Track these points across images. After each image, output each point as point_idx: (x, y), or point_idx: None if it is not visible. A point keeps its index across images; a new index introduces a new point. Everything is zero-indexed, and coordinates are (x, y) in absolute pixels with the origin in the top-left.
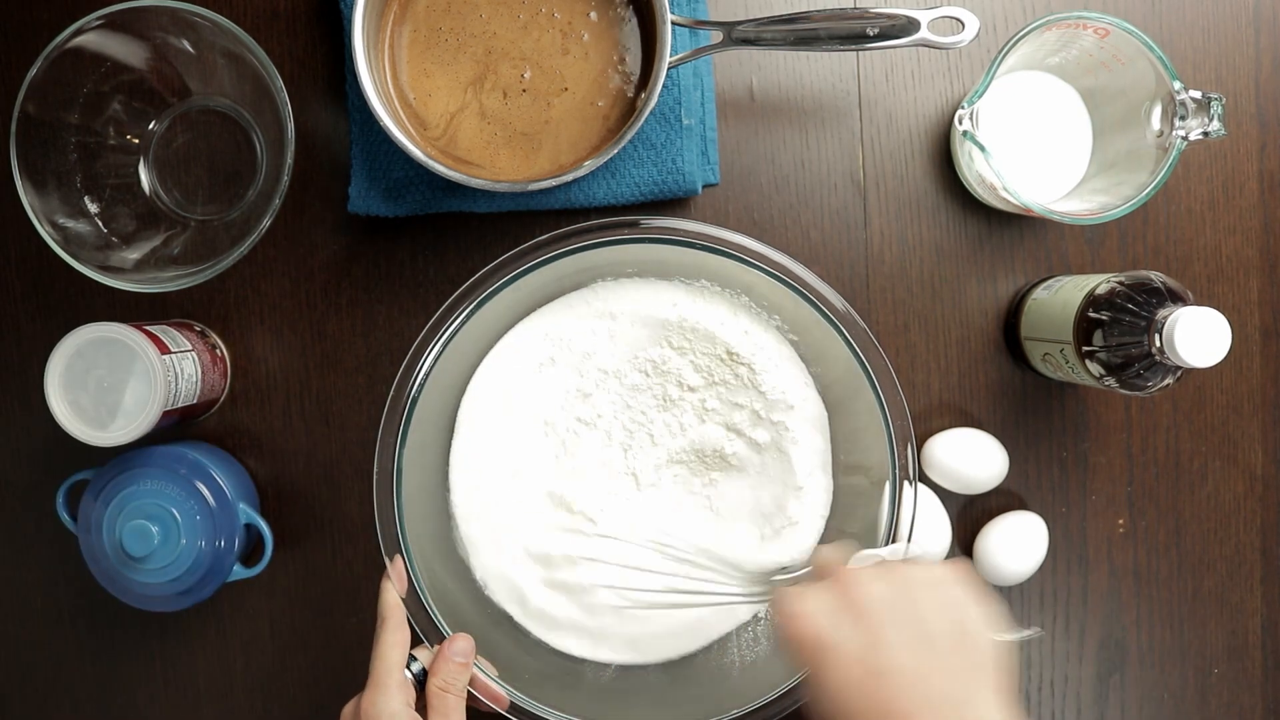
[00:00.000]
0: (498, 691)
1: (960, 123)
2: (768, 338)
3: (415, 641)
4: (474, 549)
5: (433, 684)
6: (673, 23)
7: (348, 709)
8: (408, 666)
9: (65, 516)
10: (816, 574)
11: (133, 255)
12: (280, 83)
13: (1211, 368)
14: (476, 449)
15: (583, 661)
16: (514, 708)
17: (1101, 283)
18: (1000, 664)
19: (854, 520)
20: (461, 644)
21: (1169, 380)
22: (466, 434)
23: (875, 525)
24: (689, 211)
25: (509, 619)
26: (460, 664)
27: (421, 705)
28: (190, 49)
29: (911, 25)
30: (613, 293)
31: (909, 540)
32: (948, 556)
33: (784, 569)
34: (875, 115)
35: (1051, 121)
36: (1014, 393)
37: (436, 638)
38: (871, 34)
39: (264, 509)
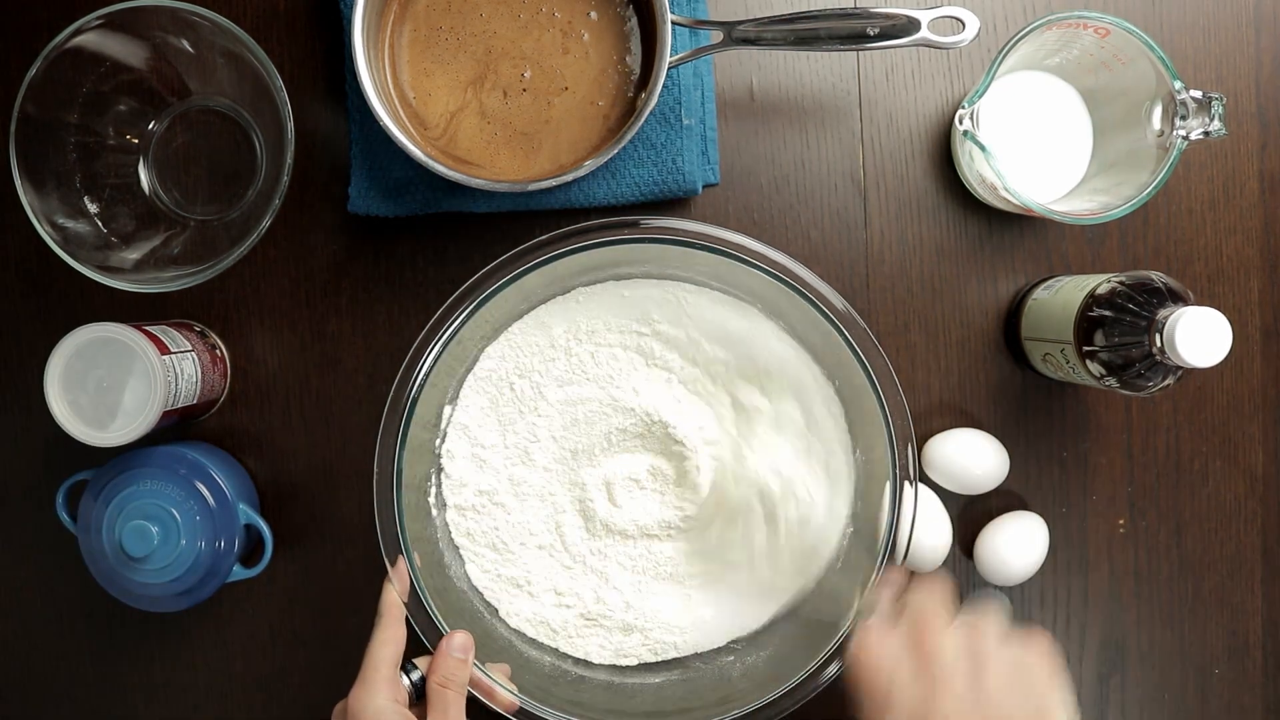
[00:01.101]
0: (503, 694)
1: (960, 123)
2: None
3: (416, 644)
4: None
5: (432, 680)
6: (673, 22)
7: (337, 709)
8: (407, 674)
9: (65, 517)
10: (908, 611)
11: (132, 255)
12: (280, 83)
13: (1212, 368)
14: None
15: (582, 663)
16: (520, 711)
17: (1102, 283)
18: None
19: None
20: (460, 639)
21: (1169, 380)
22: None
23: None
24: (689, 211)
25: (508, 620)
26: (459, 660)
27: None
28: (190, 49)
29: (912, 25)
30: (613, 293)
31: (910, 543)
32: (948, 557)
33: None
34: (875, 115)
35: (1052, 121)
36: (1014, 393)
37: (436, 637)
38: (872, 34)
39: (264, 509)
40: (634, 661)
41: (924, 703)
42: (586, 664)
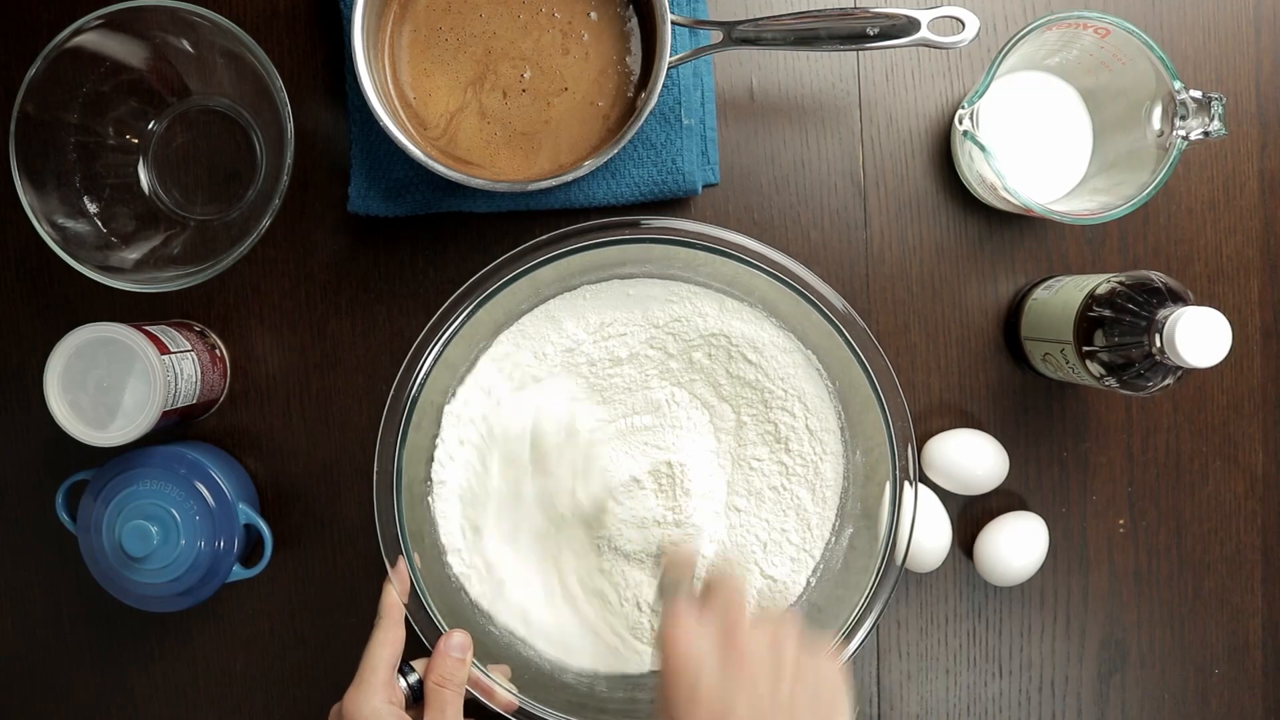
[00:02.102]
0: (502, 694)
1: (960, 123)
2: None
3: (416, 644)
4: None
5: (430, 679)
6: (673, 22)
7: (333, 711)
8: (404, 676)
9: (65, 517)
10: (712, 587)
11: (132, 255)
12: (280, 82)
13: (1212, 368)
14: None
15: (581, 665)
16: (520, 711)
17: (1102, 283)
18: None
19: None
20: (459, 638)
21: (1169, 380)
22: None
23: (876, 524)
24: (689, 211)
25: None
26: (457, 659)
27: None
28: (190, 49)
29: (911, 25)
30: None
31: (910, 543)
32: (948, 557)
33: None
34: (875, 115)
35: (1051, 121)
36: (1014, 393)
37: (435, 636)
38: (871, 34)
39: (264, 509)
40: (635, 670)
41: (728, 698)
42: (590, 671)
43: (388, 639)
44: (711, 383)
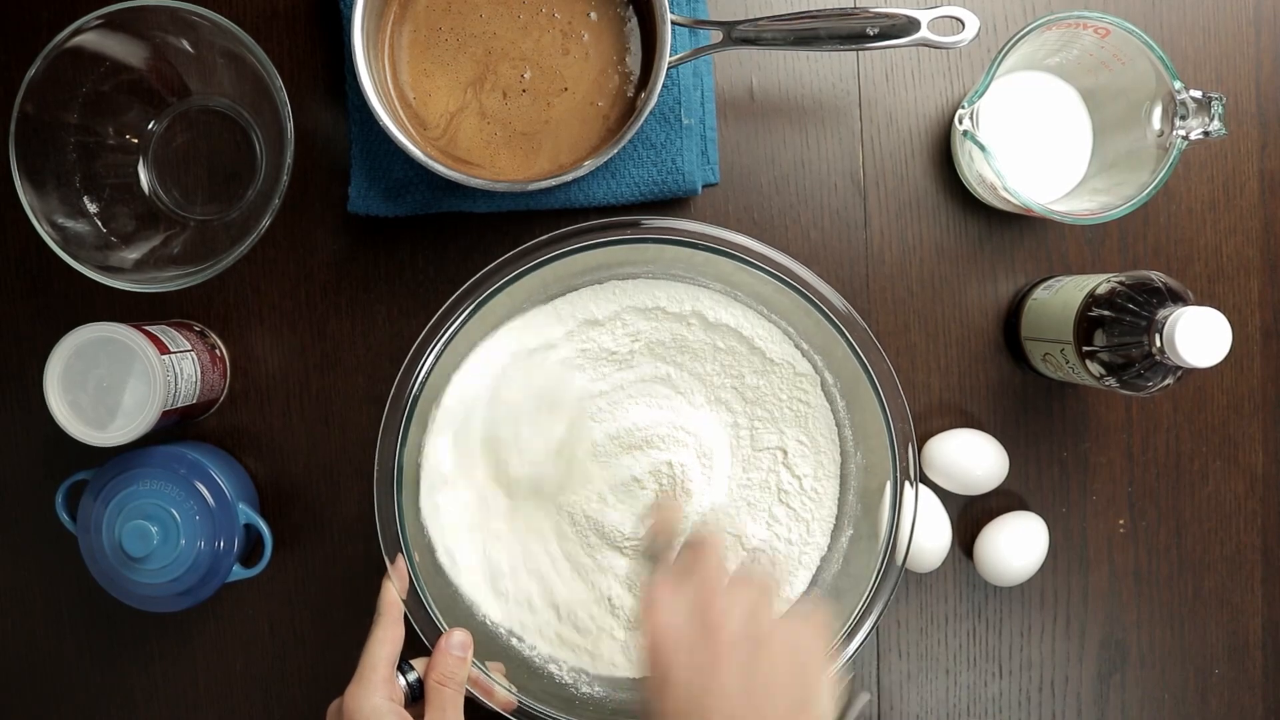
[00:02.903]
0: (502, 693)
1: (960, 122)
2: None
3: (415, 643)
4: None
5: (430, 677)
6: (673, 22)
7: (332, 707)
8: (403, 674)
9: (65, 517)
10: (691, 562)
11: (132, 255)
12: (280, 83)
13: (1212, 368)
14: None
15: (579, 667)
16: (519, 710)
17: (1102, 283)
18: None
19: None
20: (459, 637)
21: (1169, 380)
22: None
23: (876, 524)
24: (689, 211)
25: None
26: (458, 657)
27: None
28: (190, 49)
29: (911, 25)
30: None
31: (910, 543)
32: (948, 557)
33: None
34: (875, 115)
35: (1051, 121)
36: (1014, 393)
37: (434, 635)
38: (871, 34)
39: (264, 509)
40: (630, 673)
41: (703, 674)
42: (586, 671)
43: (387, 636)
44: (710, 384)
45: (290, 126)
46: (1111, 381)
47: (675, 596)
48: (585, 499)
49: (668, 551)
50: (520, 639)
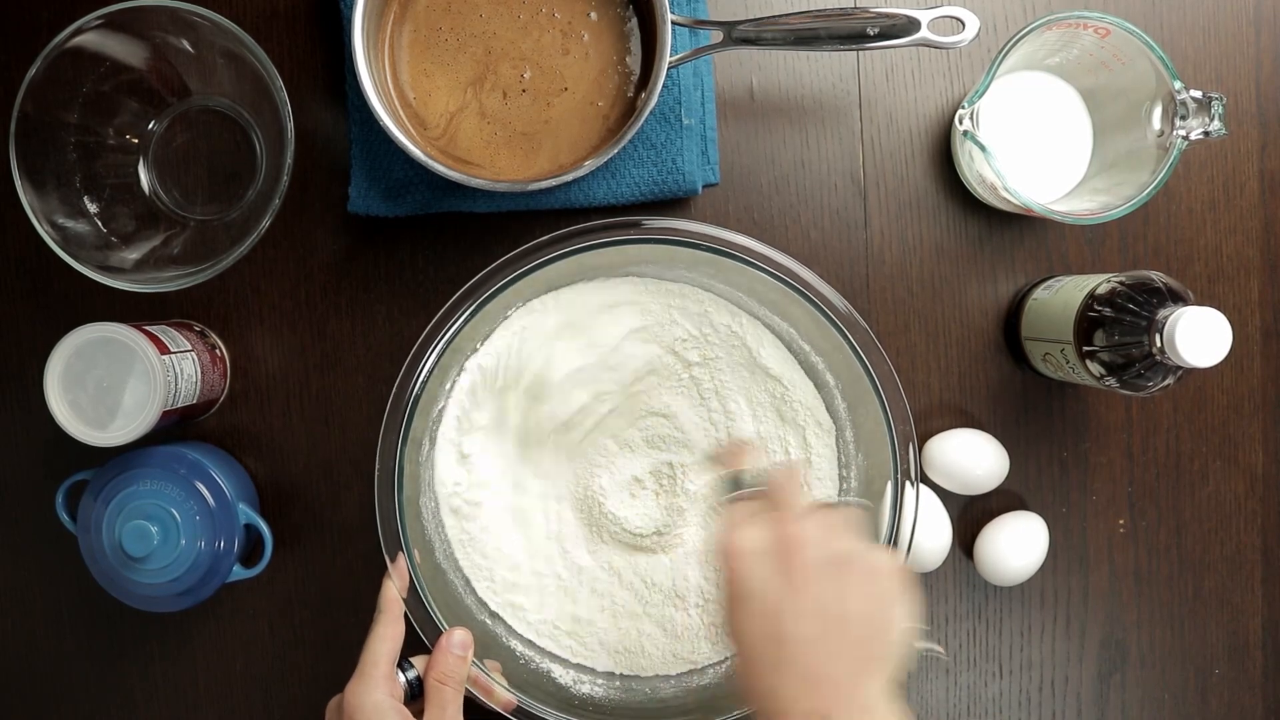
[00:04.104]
0: (502, 693)
1: (960, 123)
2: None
3: (415, 641)
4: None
5: (431, 676)
6: (673, 22)
7: (332, 702)
8: (403, 672)
9: (65, 517)
10: (770, 494)
11: (132, 255)
12: (280, 83)
13: (1212, 368)
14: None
15: (578, 666)
16: (518, 710)
17: (1102, 283)
18: (898, 664)
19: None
20: (460, 636)
21: (1169, 380)
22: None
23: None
24: (689, 211)
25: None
26: (459, 656)
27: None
28: (190, 49)
29: (911, 25)
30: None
31: (911, 543)
32: (948, 557)
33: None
34: (875, 115)
35: (1051, 121)
36: (1014, 393)
37: (434, 633)
38: (871, 34)
39: (264, 509)
40: (632, 671)
41: (780, 595)
42: (588, 669)
43: (388, 634)
44: (710, 384)
45: (290, 126)
46: (1111, 381)
47: (754, 520)
48: (600, 490)
49: (743, 481)
50: (520, 638)
